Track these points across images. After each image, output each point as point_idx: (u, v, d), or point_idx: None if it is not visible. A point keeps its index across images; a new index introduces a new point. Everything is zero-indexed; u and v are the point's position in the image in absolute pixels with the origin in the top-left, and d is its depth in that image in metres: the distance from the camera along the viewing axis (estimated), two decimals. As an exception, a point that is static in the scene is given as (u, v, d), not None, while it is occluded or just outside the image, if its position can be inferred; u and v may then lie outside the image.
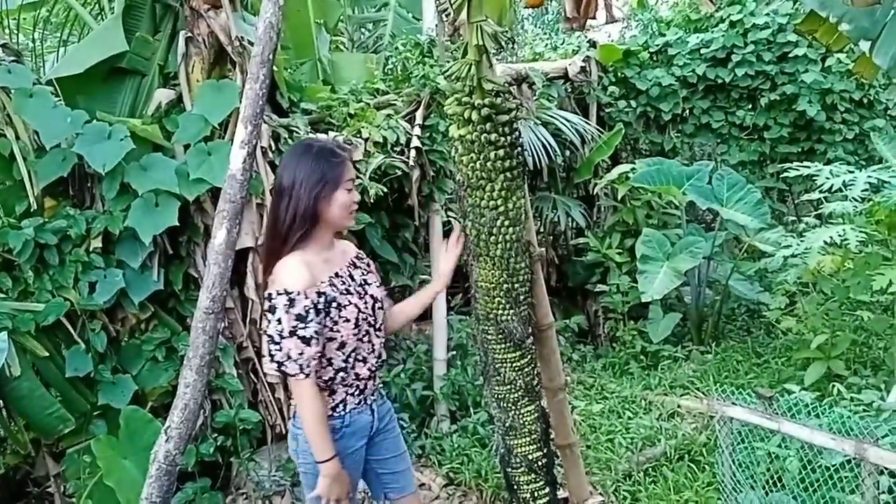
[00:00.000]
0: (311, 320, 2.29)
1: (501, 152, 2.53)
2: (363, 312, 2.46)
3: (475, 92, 2.51)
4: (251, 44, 3.83)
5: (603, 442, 4.38)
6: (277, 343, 2.28)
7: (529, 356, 2.82)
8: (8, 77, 3.71)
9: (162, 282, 3.94)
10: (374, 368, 2.55)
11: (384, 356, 2.62)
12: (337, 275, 2.44)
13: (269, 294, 2.32)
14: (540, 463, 2.89)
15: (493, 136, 2.51)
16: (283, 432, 4.23)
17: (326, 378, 2.43)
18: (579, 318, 6.41)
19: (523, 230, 2.68)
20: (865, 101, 6.90)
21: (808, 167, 4.75)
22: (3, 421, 3.83)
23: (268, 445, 4.24)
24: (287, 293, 2.28)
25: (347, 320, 2.40)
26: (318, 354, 2.34)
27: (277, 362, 2.30)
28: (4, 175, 3.87)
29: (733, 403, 2.79)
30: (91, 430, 3.81)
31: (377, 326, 2.55)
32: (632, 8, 10.66)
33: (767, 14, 6.64)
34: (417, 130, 4.58)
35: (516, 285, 2.68)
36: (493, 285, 2.66)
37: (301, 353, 2.28)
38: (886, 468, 2.52)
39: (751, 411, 2.66)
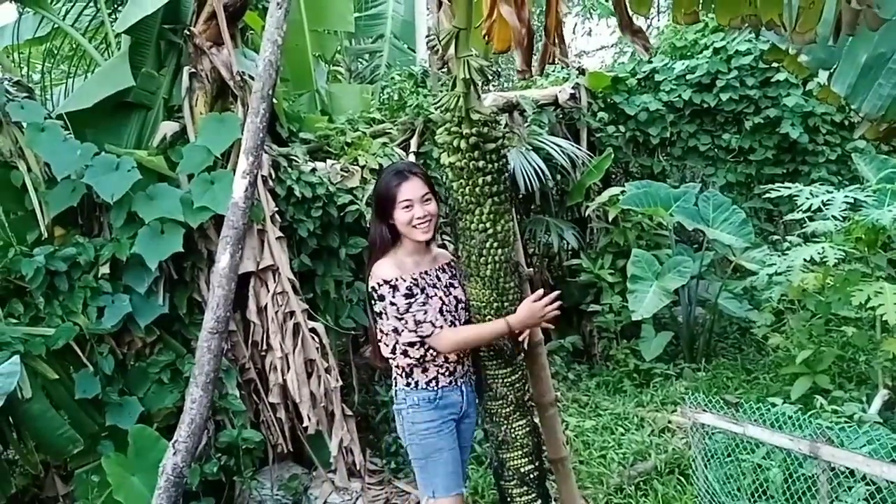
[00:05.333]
0: (416, 294, 2.68)
1: (489, 178, 2.69)
2: (447, 306, 2.77)
3: (463, 122, 2.66)
4: (252, 78, 4.02)
5: (596, 457, 4.50)
6: (401, 318, 2.67)
7: (520, 372, 2.94)
8: (21, 112, 3.90)
9: (167, 306, 4.08)
10: (461, 354, 2.83)
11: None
12: (426, 273, 2.79)
13: (373, 287, 2.70)
14: (532, 476, 2.98)
15: (481, 163, 2.66)
16: (285, 451, 4.35)
17: (419, 356, 2.75)
18: (574, 338, 6.54)
19: (512, 251, 2.82)
20: (846, 122, 7.10)
21: (790, 188, 4.92)
22: (14, 442, 3.94)
23: (270, 465, 4.34)
24: (387, 282, 2.67)
25: (433, 307, 2.72)
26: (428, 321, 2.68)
27: (412, 331, 2.67)
28: (17, 205, 4.04)
29: (704, 411, 2.92)
30: (99, 450, 3.92)
31: (461, 323, 2.82)
32: (620, 35, 10.90)
33: (749, 40, 6.86)
34: (412, 157, 4.75)
35: (506, 304, 2.81)
36: (483, 304, 2.79)
37: (426, 314, 2.67)
38: (870, 475, 2.66)
39: (719, 417, 2.81)
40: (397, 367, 2.84)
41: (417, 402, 2.80)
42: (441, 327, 2.70)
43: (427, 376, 2.80)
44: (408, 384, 2.82)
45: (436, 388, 2.80)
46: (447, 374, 2.82)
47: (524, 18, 1.92)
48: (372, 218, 2.87)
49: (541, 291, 2.79)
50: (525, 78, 2.08)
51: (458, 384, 2.86)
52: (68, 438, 3.81)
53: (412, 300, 2.67)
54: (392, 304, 2.66)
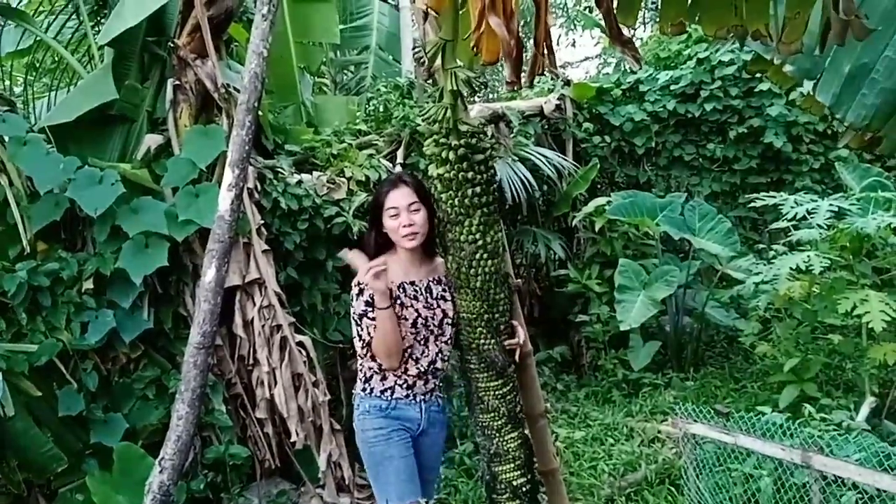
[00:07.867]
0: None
1: (478, 189, 2.68)
2: (423, 318, 2.77)
3: (451, 133, 2.65)
4: (237, 90, 4.00)
5: (586, 468, 4.48)
6: (358, 323, 2.73)
7: (511, 384, 2.91)
8: (2, 126, 3.85)
9: (152, 321, 4.03)
10: (423, 371, 2.80)
11: (441, 366, 2.86)
12: (412, 283, 2.78)
13: (352, 284, 2.74)
14: (524, 489, 2.95)
15: (469, 174, 2.66)
16: (273, 467, 4.30)
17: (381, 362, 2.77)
18: (562, 349, 6.53)
19: (502, 262, 2.81)
20: (829, 131, 7.18)
21: (774, 197, 4.96)
22: (-4, 462, 3.88)
23: (258, 481, 4.29)
24: (358, 284, 2.71)
25: (406, 319, 2.73)
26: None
27: (363, 339, 2.73)
28: (-2, 220, 3.97)
29: (694, 420, 2.92)
30: (83, 469, 3.85)
31: (441, 338, 2.82)
32: (604, 47, 11.01)
33: (732, 51, 6.93)
34: (398, 169, 4.74)
35: (496, 315, 2.80)
36: (474, 316, 2.77)
37: (375, 328, 2.68)
38: (859, 484, 2.66)
39: (710, 427, 2.80)
40: (361, 368, 2.84)
41: (368, 410, 2.81)
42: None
43: (384, 384, 2.80)
44: (363, 389, 2.83)
45: (390, 398, 2.80)
46: (405, 386, 2.81)
47: (513, 29, 1.92)
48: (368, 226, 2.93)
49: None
50: (514, 89, 2.07)
51: (418, 400, 2.83)
52: (52, 457, 3.74)
53: (368, 309, 2.69)
54: (353, 305, 2.73)
